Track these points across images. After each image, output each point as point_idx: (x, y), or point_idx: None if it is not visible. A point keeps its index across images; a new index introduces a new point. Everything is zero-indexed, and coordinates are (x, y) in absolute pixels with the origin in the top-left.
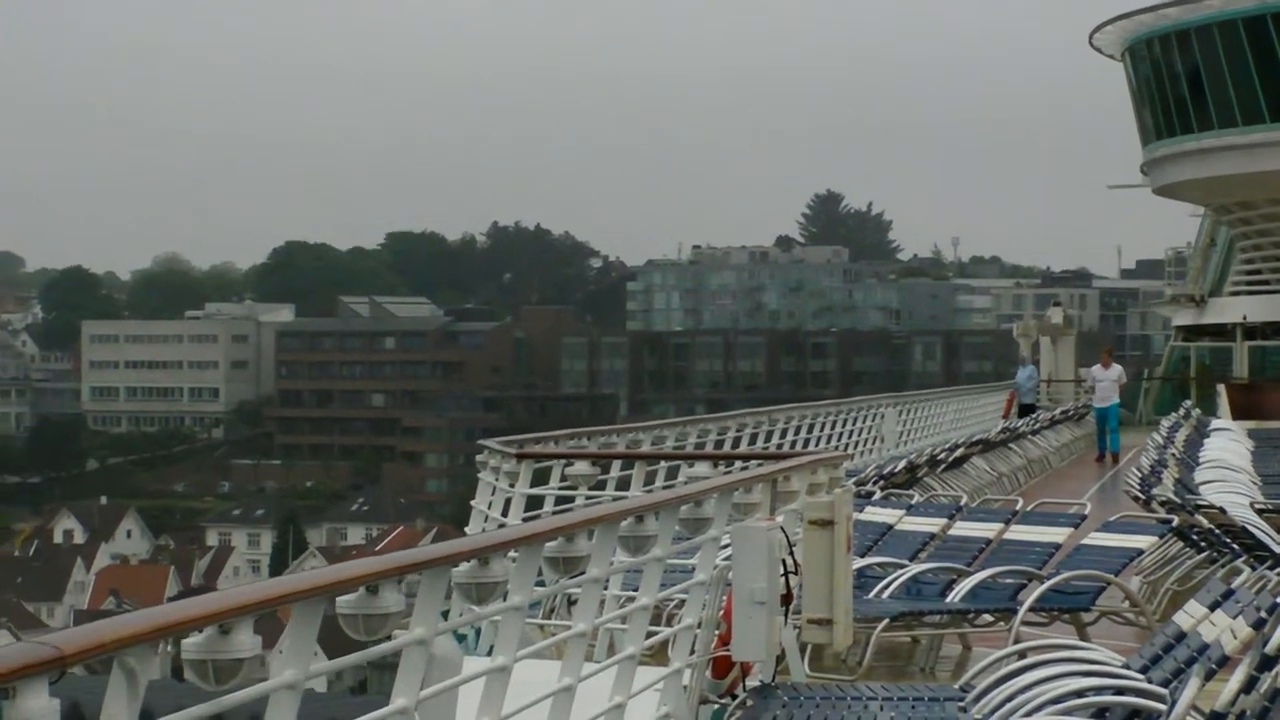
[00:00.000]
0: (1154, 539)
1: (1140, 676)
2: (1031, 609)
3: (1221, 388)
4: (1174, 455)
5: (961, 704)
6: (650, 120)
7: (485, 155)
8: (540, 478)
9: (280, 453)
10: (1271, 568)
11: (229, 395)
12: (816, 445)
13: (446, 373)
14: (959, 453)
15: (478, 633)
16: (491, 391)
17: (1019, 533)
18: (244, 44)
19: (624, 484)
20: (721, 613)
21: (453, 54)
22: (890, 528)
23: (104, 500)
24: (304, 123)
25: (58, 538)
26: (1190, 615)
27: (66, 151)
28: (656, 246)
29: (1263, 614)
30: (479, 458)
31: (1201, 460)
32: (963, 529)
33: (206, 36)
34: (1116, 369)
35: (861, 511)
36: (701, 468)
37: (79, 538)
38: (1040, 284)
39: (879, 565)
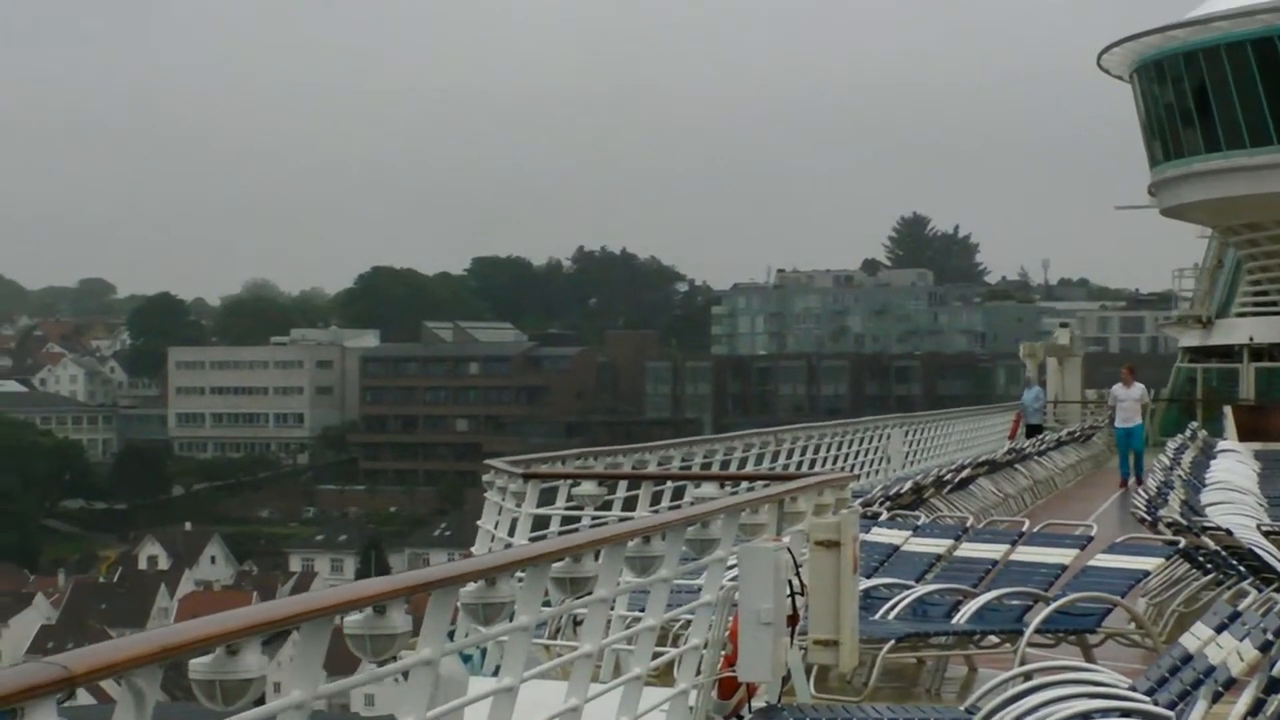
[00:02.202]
0: (1160, 561)
1: (1146, 699)
2: (1038, 630)
3: (1228, 409)
4: (1180, 477)
5: None
6: (736, 144)
7: (571, 180)
8: (547, 498)
9: (364, 478)
10: (1278, 590)
11: (314, 421)
12: (823, 466)
13: (530, 398)
14: (965, 473)
15: (483, 653)
16: (575, 416)
17: (1025, 554)
18: (332, 72)
19: (630, 504)
20: (728, 633)
21: (540, 80)
22: (896, 549)
23: (188, 526)
24: (392, 149)
25: (142, 564)
26: (1197, 637)
27: (161, 180)
28: (743, 270)
29: (1269, 636)
30: (485, 477)
31: (1208, 482)
32: (969, 550)
33: (294, 65)
34: (1139, 388)
35: (868, 532)
36: (708, 488)
37: (163, 564)
38: (1125, 306)
39: (885, 586)
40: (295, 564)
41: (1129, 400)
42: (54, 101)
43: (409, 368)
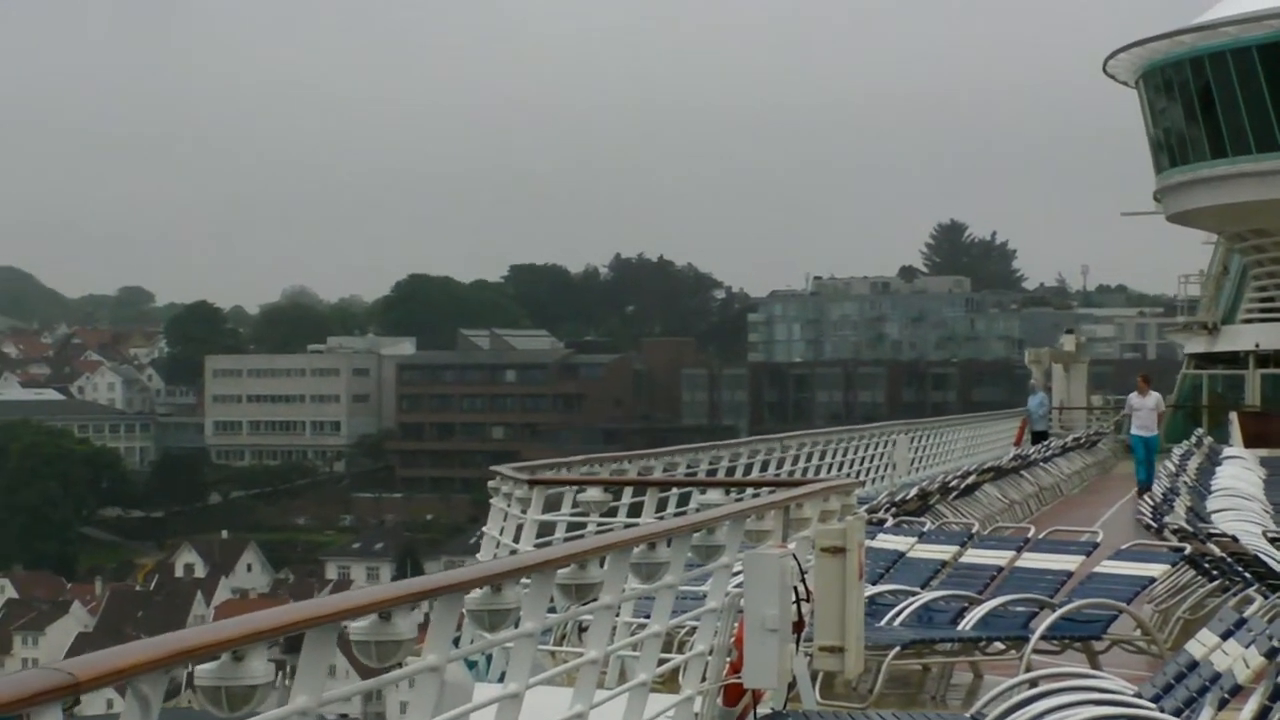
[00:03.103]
0: (1166, 567)
1: (1152, 705)
2: (1043, 637)
3: (1233, 415)
4: (1186, 483)
5: None
6: (774, 151)
7: (608, 187)
8: (552, 504)
9: (401, 486)
10: None
11: (350, 429)
12: (828, 472)
13: (566, 405)
14: (971, 480)
15: (488, 659)
16: (611, 424)
17: (1031, 560)
18: (370, 82)
19: (636, 510)
20: (733, 640)
21: (574, 87)
22: (902, 555)
23: (225, 534)
24: (431, 158)
25: (179, 571)
26: (1202, 644)
27: (202, 189)
28: (780, 277)
29: (1275, 643)
30: (491, 484)
31: (1213, 488)
32: (974, 556)
33: (333, 75)
34: (1154, 396)
35: (873, 539)
36: (713, 494)
37: (200, 571)
38: (1163, 313)
39: (890, 592)
40: (331, 572)
41: (1145, 409)
42: (95, 112)
43: (445, 375)
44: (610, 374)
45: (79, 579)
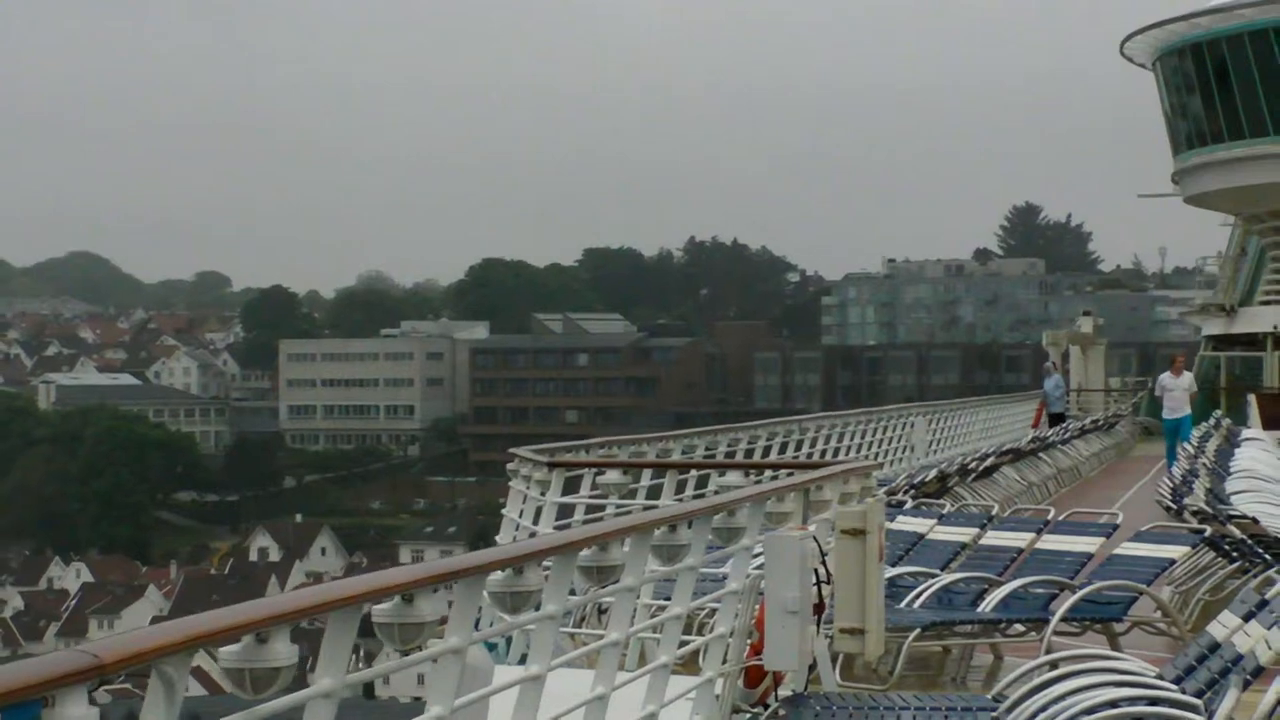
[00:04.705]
0: (1186, 549)
1: (1174, 687)
2: (1063, 619)
3: (1252, 397)
4: (1205, 465)
5: (994, 714)
6: (850, 134)
7: (682, 171)
8: (571, 486)
9: (474, 470)
10: None
11: (424, 412)
12: (846, 455)
13: (639, 389)
14: (989, 462)
15: (508, 641)
16: (684, 407)
17: (1050, 542)
18: (448, 70)
19: (654, 493)
20: (754, 622)
21: (649, 72)
22: (921, 537)
23: (299, 518)
24: (506, 143)
25: (253, 555)
26: (1224, 626)
27: (278, 176)
28: (856, 260)
29: None
30: (510, 466)
31: (1232, 470)
32: (994, 538)
33: (409, 65)
34: (1187, 377)
35: (893, 521)
36: (733, 477)
37: (274, 555)
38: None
39: (910, 575)
40: (405, 555)
41: (1178, 390)
42: (171, 101)
43: (518, 359)
44: (683, 357)
45: (154, 563)
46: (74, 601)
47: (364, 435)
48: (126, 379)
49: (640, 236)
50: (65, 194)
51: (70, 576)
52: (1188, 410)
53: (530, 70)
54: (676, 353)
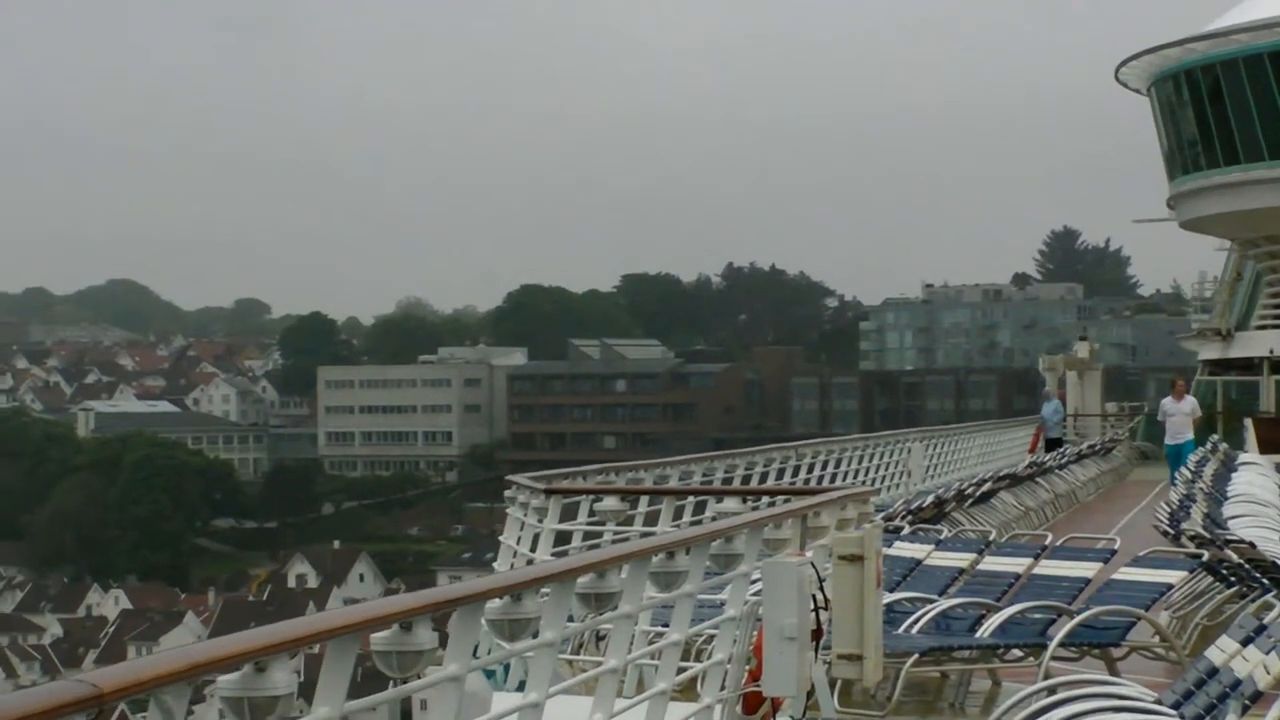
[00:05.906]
0: (1184, 574)
1: (1173, 712)
2: (1061, 644)
3: (1248, 422)
4: (1202, 490)
5: None
6: (887, 159)
7: (720, 196)
8: (568, 513)
9: None
10: None
11: (462, 439)
12: (843, 480)
13: (677, 415)
14: (986, 487)
15: (506, 667)
16: (722, 432)
17: (1048, 568)
18: (484, 95)
19: (652, 520)
20: (752, 648)
21: (689, 99)
22: (919, 563)
23: (337, 545)
24: (544, 169)
25: (291, 582)
26: (1222, 650)
27: (317, 202)
28: (894, 285)
29: None
30: (507, 493)
31: (1230, 494)
32: (991, 564)
33: (445, 90)
34: (1190, 402)
35: (890, 546)
36: (730, 503)
37: (312, 582)
38: None
39: (908, 600)
40: (443, 581)
41: (1179, 415)
42: (210, 128)
43: (556, 385)
44: (721, 383)
45: (192, 590)
46: (112, 628)
47: (402, 461)
48: (165, 406)
49: (678, 262)
50: (105, 221)
51: (109, 603)
52: (1190, 435)
53: (570, 96)
54: (714, 378)
